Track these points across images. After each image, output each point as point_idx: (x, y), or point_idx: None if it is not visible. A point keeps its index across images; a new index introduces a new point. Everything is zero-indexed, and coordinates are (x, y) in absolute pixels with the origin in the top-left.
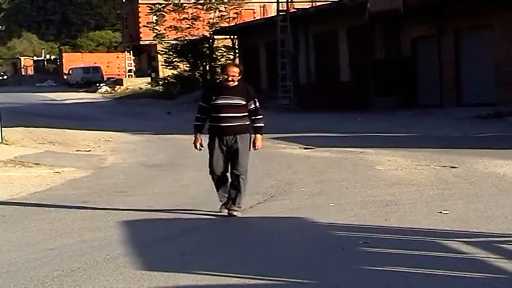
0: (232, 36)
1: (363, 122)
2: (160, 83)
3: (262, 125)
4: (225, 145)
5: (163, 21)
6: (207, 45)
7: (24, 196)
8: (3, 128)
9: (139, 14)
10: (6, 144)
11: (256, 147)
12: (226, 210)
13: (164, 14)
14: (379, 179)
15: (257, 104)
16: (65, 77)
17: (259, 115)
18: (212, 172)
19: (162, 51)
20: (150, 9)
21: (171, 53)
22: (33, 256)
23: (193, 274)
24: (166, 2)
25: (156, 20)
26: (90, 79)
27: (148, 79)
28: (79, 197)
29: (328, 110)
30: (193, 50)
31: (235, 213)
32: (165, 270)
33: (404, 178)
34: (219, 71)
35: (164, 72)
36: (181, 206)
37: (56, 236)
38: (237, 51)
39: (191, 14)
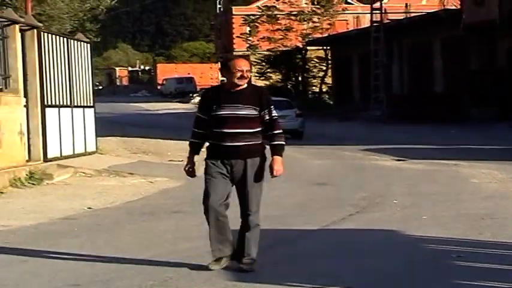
0: (325, 47)
1: (456, 133)
2: None
3: (283, 143)
4: (229, 172)
5: (257, 32)
6: (299, 56)
7: (118, 205)
8: (98, 138)
9: (233, 25)
10: (101, 153)
11: (275, 174)
12: (216, 267)
13: (257, 24)
14: (473, 191)
15: (273, 113)
16: (159, 87)
17: (278, 129)
18: (207, 206)
19: (255, 62)
20: (243, 20)
21: (263, 63)
22: (126, 265)
23: (285, 286)
24: (260, 13)
25: (249, 30)
26: (183, 89)
27: None
28: (172, 207)
29: (421, 122)
30: (286, 60)
31: (245, 267)
32: (257, 281)
33: (499, 191)
34: (312, 81)
35: (257, 83)
36: (272, 218)
37: (149, 246)
38: (329, 62)
39: (284, 25)
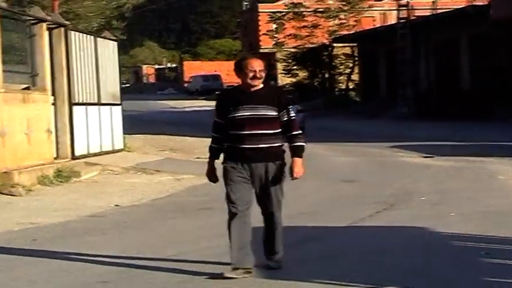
0: (351, 44)
1: (483, 130)
2: None
3: (303, 144)
4: (249, 175)
5: (283, 29)
6: (326, 53)
7: (145, 202)
8: (125, 135)
9: (259, 22)
10: (128, 151)
11: (295, 176)
12: (232, 274)
13: (284, 22)
14: (501, 188)
15: (291, 114)
16: (185, 85)
17: (296, 130)
18: (232, 207)
19: (281, 59)
20: (270, 18)
21: (290, 61)
22: (153, 262)
23: (313, 283)
24: (286, 10)
25: (275, 28)
26: (209, 87)
27: None
28: (198, 204)
29: (448, 119)
30: (312, 58)
31: (272, 264)
32: (285, 278)
33: None
34: (338, 78)
35: (283, 80)
36: (300, 215)
37: (176, 243)
38: (356, 59)
39: (311, 22)
